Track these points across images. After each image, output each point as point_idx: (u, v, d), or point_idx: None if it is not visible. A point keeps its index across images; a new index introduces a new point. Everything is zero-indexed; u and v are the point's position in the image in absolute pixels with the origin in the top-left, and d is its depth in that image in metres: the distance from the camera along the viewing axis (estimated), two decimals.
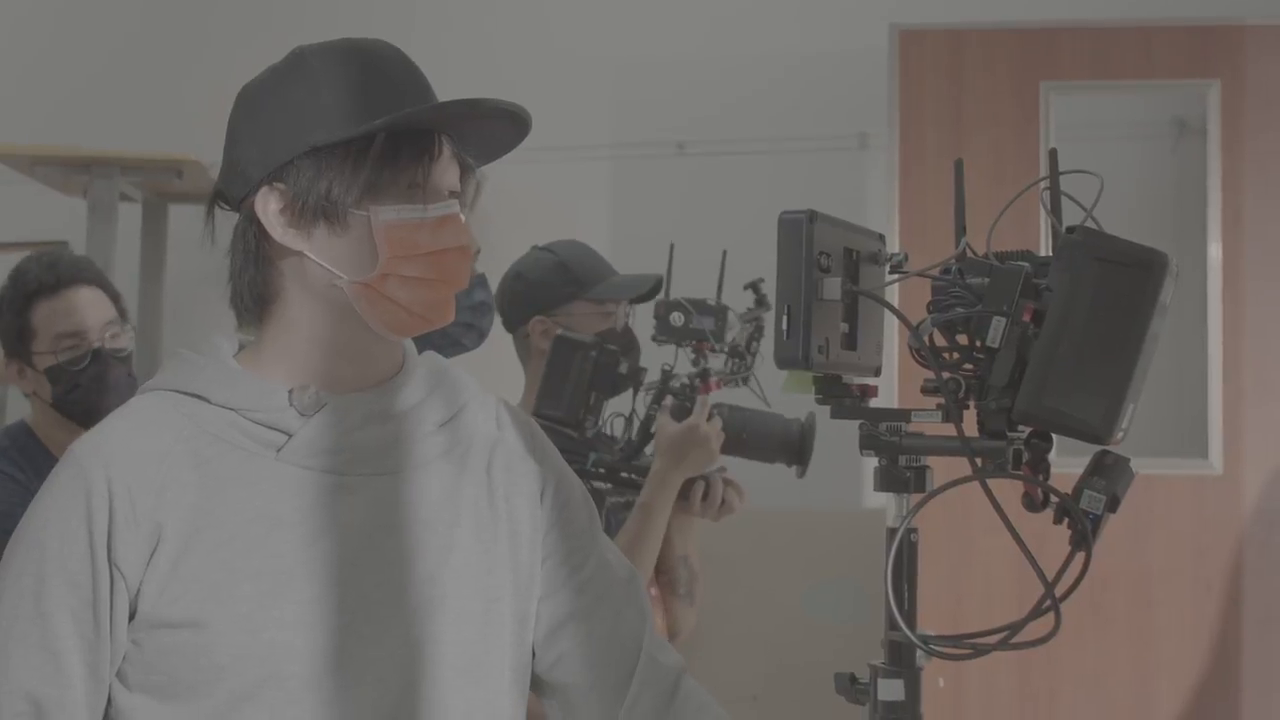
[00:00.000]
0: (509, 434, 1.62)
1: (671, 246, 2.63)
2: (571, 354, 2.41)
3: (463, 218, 1.51)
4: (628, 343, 2.58)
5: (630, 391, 2.56)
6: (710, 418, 2.48)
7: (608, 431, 2.54)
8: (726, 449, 2.54)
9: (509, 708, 1.56)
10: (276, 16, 4.71)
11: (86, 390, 2.57)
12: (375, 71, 1.48)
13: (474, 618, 1.52)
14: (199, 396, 1.49)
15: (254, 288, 1.51)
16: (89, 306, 2.61)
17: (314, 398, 1.49)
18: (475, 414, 1.59)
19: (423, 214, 1.47)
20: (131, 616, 1.44)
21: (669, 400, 2.53)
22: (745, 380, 2.63)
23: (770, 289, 2.64)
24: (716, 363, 2.63)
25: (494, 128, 1.53)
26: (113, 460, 1.44)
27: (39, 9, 4.99)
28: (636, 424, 2.58)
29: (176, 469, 1.45)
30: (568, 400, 2.41)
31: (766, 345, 2.61)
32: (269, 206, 1.48)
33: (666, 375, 2.57)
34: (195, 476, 1.45)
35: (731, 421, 2.55)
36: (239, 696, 1.42)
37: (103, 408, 2.28)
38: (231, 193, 1.52)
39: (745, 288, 2.68)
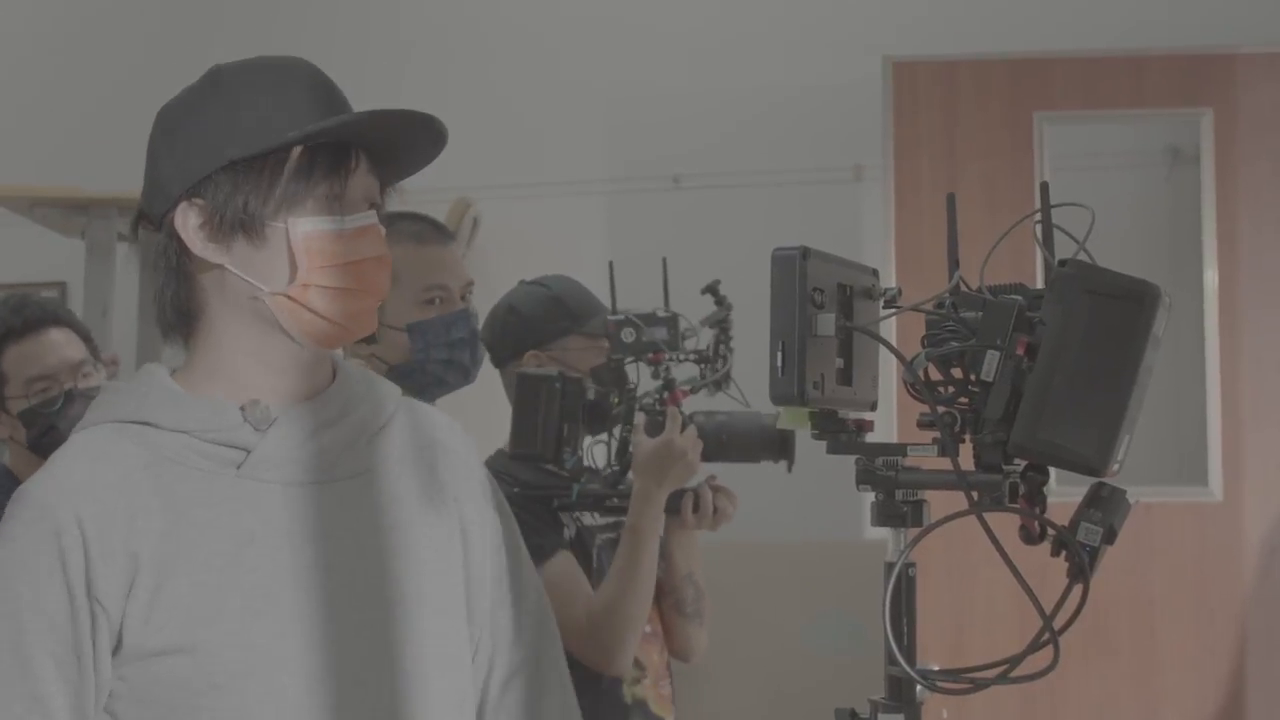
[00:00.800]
0: (445, 438, 1.66)
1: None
2: (536, 389, 2.38)
3: (381, 230, 1.53)
4: (618, 377, 2.57)
5: (621, 425, 2.53)
6: (685, 428, 2.44)
7: (589, 463, 2.51)
8: (710, 455, 2.49)
9: (472, 696, 1.62)
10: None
11: (62, 432, 2.56)
12: (290, 87, 1.50)
13: (442, 613, 1.57)
14: (148, 423, 1.49)
15: (177, 303, 1.53)
16: (59, 348, 2.61)
17: (265, 412, 1.50)
18: (410, 418, 1.63)
19: (340, 224, 1.49)
20: (117, 649, 1.44)
21: (641, 418, 2.49)
22: (721, 385, 2.57)
23: (727, 290, 2.63)
24: (685, 372, 2.58)
25: (412, 139, 1.54)
26: (77, 496, 1.44)
27: (37, 51, 5.01)
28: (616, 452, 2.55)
29: (142, 496, 1.45)
30: (541, 435, 2.38)
31: (738, 344, 2.56)
32: (189, 221, 1.49)
33: (631, 393, 2.53)
34: (159, 502, 1.45)
35: (709, 428, 2.50)
36: (239, 713, 1.43)
37: None
38: (153, 210, 1.54)
39: (703, 292, 2.63)
